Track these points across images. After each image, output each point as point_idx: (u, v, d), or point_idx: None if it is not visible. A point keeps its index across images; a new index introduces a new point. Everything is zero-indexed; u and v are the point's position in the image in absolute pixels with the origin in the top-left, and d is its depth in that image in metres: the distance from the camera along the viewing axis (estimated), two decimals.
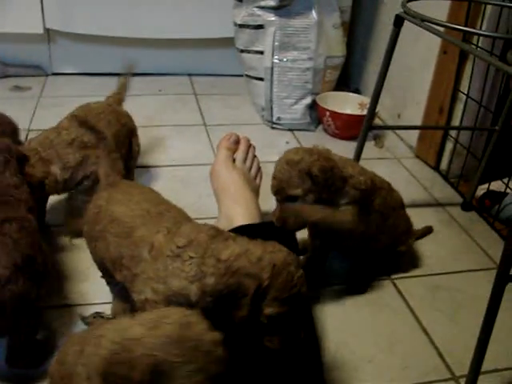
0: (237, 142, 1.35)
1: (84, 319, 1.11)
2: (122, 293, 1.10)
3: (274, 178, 1.13)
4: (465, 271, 1.37)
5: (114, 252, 0.96)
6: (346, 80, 2.37)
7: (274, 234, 1.08)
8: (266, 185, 1.38)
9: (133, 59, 1.76)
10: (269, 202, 1.37)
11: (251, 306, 0.80)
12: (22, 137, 1.71)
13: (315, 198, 1.11)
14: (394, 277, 1.32)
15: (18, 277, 0.90)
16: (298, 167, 1.10)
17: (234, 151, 1.33)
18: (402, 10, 1.27)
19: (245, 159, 1.33)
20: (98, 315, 1.12)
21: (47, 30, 2.22)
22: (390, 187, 1.28)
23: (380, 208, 1.20)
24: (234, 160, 1.32)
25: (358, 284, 1.28)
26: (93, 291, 1.20)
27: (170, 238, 0.90)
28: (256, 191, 1.32)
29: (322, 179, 1.10)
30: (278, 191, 1.12)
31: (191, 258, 0.85)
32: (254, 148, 1.38)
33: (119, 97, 1.58)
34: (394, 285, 1.30)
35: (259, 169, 1.37)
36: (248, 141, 1.37)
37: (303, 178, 1.10)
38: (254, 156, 1.38)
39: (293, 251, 0.89)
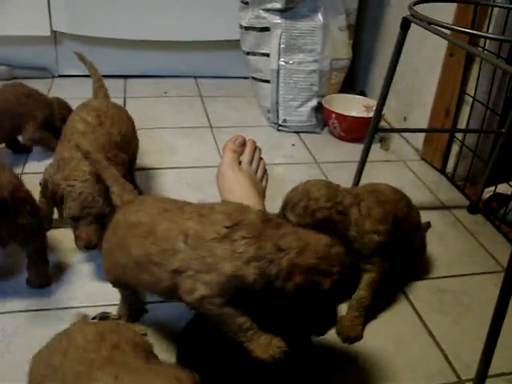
0: (243, 144, 1.35)
1: (92, 319, 1.11)
2: (131, 296, 1.10)
3: (293, 191, 1.14)
4: (471, 274, 1.37)
5: (137, 253, 0.91)
6: (352, 82, 2.37)
7: None
8: (272, 187, 1.39)
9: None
10: (275, 204, 1.37)
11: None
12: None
13: None
14: (399, 280, 1.32)
15: None
16: (307, 203, 1.10)
17: (240, 153, 1.34)
18: (408, 13, 1.26)
19: (251, 161, 1.33)
20: (105, 315, 1.12)
21: (54, 33, 2.22)
22: (408, 208, 1.25)
23: (398, 236, 1.20)
24: (240, 162, 1.32)
25: None
26: (99, 293, 1.20)
27: (207, 222, 0.85)
28: (262, 193, 1.32)
29: (322, 226, 1.08)
30: (284, 203, 1.14)
31: (244, 238, 0.81)
32: (260, 150, 1.38)
33: (105, 91, 1.56)
34: (400, 288, 1.29)
35: (265, 171, 1.37)
36: (254, 143, 1.37)
37: (304, 214, 1.09)
38: (260, 158, 1.38)
39: None
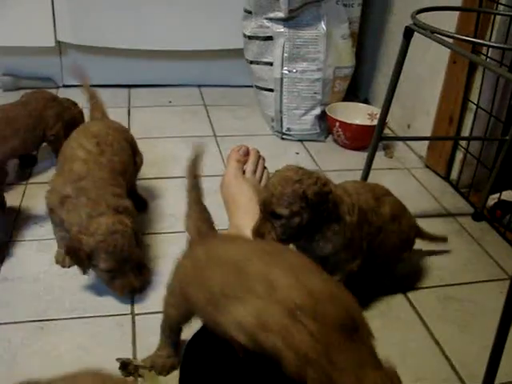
0: (246, 153, 1.35)
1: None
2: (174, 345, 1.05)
3: (266, 189, 1.10)
4: (476, 282, 1.37)
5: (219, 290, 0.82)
6: (356, 90, 2.37)
7: None
8: None
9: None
10: None
11: None
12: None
13: (299, 222, 1.08)
14: (404, 288, 1.32)
15: None
16: (293, 187, 1.06)
17: (244, 163, 1.34)
18: (411, 22, 1.27)
19: (254, 171, 1.34)
20: (127, 362, 1.04)
21: (58, 43, 2.24)
22: (378, 201, 1.21)
23: (366, 233, 1.17)
24: (244, 172, 1.33)
25: None
26: (106, 303, 1.20)
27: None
28: None
29: (317, 203, 1.06)
30: (265, 204, 1.09)
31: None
32: (264, 159, 1.39)
33: (102, 107, 1.56)
34: (405, 296, 1.29)
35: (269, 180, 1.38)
36: (257, 152, 1.38)
37: (295, 199, 1.06)
38: (264, 167, 1.38)
39: None
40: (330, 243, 1.13)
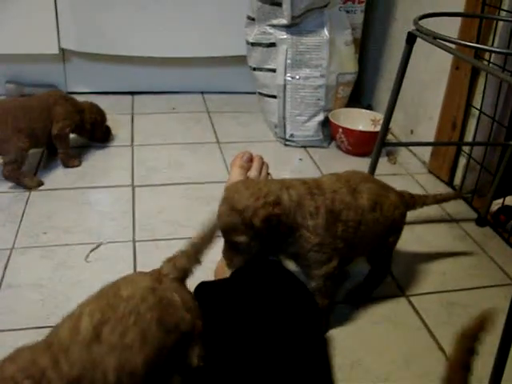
0: (250, 160, 1.35)
1: None
2: None
3: (219, 218, 1.07)
4: (480, 287, 1.36)
5: None
6: (359, 96, 2.38)
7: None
8: None
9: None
10: None
11: None
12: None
13: (259, 244, 1.06)
14: (408, 294, 1.32)
15: None
16: (241, 216, 1.03)
17: (248, 169, 1.34)
18: (413, 27, 1.27)
19: (258, 177, 1.34)
20: None
21: (62, 50, 2.25)
22: (353, 197, 1.14)
23: (342, 231, 1.12)
24: (247, 178, 1.33)
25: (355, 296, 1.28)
26: None
27: None
28: None
29: (265, 230, 1.03)
30: (224, 233, 1.07)
31: None
32: (268, 166, 1.39)
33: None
34: (409, 302, 1.29)
35: None
36: (261, 159, 1.38)
37: (246, 227, 1.03)
38: (268, 174, 1.38)
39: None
40: (295, 247, 1.10)
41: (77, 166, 1.80)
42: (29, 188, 1.65)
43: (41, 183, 1.67)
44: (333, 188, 1.13)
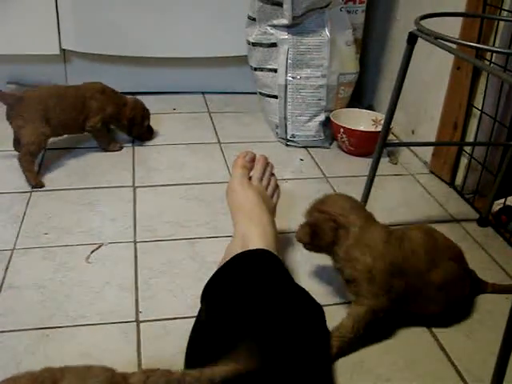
0: (253, 159, 1.35)
1: None
2: None
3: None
4: None
5: None
6: (360, 96, 2.37)
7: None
8: (281, 202, 1.39)
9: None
10: (285, 221, 1.37)
11: None
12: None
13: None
14: None
15: None
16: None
17: (250, 169, 1.34)
18: (414, 27, 1.27)
19: (261, 178, 1.33)
20: None
21: (63, 51, 2.25)
22: (430, 265, 1.15)
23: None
24: (250, 178, 1.32)
25: None
26: (110, 310, 1.20)
27: None
28: (272, 210, 1.32)
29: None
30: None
31: None
32: (272, 166, 1.38)
33: None
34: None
35: (277, 187, 1.37)
36: (265, 159, 1.37)
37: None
38: (272, 174, 1.38)
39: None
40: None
41: (118, 150, 1.92)
42: (28, 182, 1.67)
43: (41, 185, 1.67)
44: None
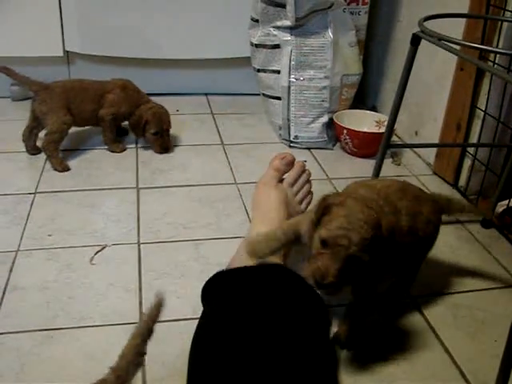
0: (289, 163, 1.34)
1: None
2: None
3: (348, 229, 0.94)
4: (485, 289, 1.36)
5: None
6: (363, 97, 2.37)
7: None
8: None
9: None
10: None
11: None
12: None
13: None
14: (414, 295, 1.31)
15: None
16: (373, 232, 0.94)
17: (283, 173, 1.33)
18: (417, 29, 1.27)
19: (293, 183, 1.33)
20: None
21: (67, 53, 2.25)
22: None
23: None
24: (281, 181, 1.32)
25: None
26: (114, 311, 1.20)
27: None
28: (295, 215, 1.30)
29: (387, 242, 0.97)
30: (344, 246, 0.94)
31: None
32: (309, 174, 1.38)
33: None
34: (415, 303, 1.29)
35: (308, 194, 1.36)
36: (303, 166, 1.36)
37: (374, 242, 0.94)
38: (307, 182, 1.37)
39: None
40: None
41: (119, 151, 1.92)
42: (55, 168, 1.77)
43: (67, 169, 1.78)
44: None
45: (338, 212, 0.96)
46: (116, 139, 1.93)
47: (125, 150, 1.93)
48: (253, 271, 1.10)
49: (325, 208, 0.99)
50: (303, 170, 1.36)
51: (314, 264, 0.95)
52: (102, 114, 1.87)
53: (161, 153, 1.92)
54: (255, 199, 1.31)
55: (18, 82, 1.95)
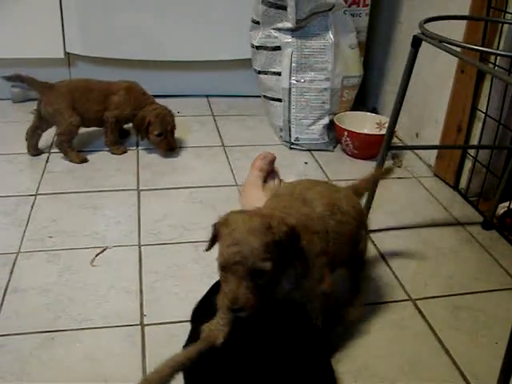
0: (271, 162, 1.34)
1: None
2: None
3: (234, 247, 0.90)
4: (486, 291, 1.36)
5: None
6: (363, 99, 2.37)
7: None
8: None
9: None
10: None
11: None
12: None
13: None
14: (415, 298, 1.31)
15: None
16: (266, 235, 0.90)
17: (267, 172, 1.32)
18: (417, 30, 1.27)
19: (279, 181, 1.33)
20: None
21: (68, 55, 2.26)
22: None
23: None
24: (266, 180, 1.31)
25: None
26: (115, 314, 1.20)
27: None
28: None
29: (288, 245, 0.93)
30: (241, 263, 0.89)
31: None
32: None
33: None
34: (415, 306, 1.29)
35: None
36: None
37: (272, 248, 0.90)
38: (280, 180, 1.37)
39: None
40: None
41: (120, 154, 1.93)
42: (73, 162, 1.83)
43: (85, 160, 1.84)
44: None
45: (224, 231, 0.92)
46: (117, 141, 1.94)
47: (125, 152, 1.93)
48: None
49: (215, 234, 0.95)
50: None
51: (222, 293, 0.92)
52: (106, 116, 1.88)
53: (166, 153, 1.92)
54: (245, 201, 1.29)
55: (20, 84, 1.96)
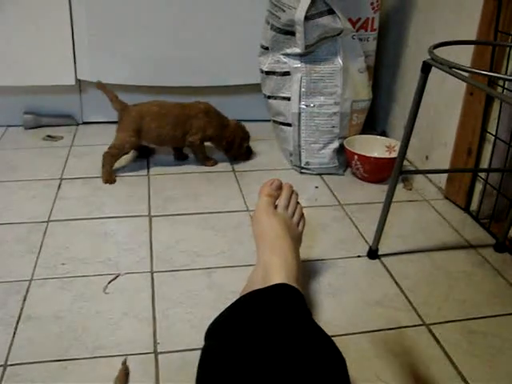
0: (279, 187, 1.34)
1: None
2: None
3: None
4: (501, 315, 1.34)
5: None
6: (373, 123, 2.38)
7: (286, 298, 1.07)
8: (306, 231, 1.39)
9: None
10: (301, 249, 1.37)
11: None
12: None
13: None
14: (428, 322, 1.30)
15: None
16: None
17: (276, 197, 1.33)
18: (425, 54, 1.28)
19: (287, 206, 1.33)
20: None
21: (79, 81, 2.28)
22: None
23: None
24: (276, 206, 1.32)
25: None
26: (128, 341, 1.20)
27: None
28: (297, 239, 1.31)
29: None
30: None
31: None
32: (297, 195, 1.38)
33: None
34: (429, 331, 1.28)
35: (302, 215, 1.37)
36: (291, 187, 1.36)
37: None
38: (297, 203, 1.37)
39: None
40: None
41: (212, 165, 2.08)
42: (102, 177, 1.92)
43: (110, 181, 1.91)
44: None
45: None
46: (207, 156, 2.08)
47: (217, 163, 2.09)
48: (264, 304, 1.08)
49: None
50: (292, 191, 1.37)
51: None
52: (191, 141, 1.99)
53: (248, 159, 2.14)
54: (257, 229, 1.29)
55: (33, 111, 1.99)
